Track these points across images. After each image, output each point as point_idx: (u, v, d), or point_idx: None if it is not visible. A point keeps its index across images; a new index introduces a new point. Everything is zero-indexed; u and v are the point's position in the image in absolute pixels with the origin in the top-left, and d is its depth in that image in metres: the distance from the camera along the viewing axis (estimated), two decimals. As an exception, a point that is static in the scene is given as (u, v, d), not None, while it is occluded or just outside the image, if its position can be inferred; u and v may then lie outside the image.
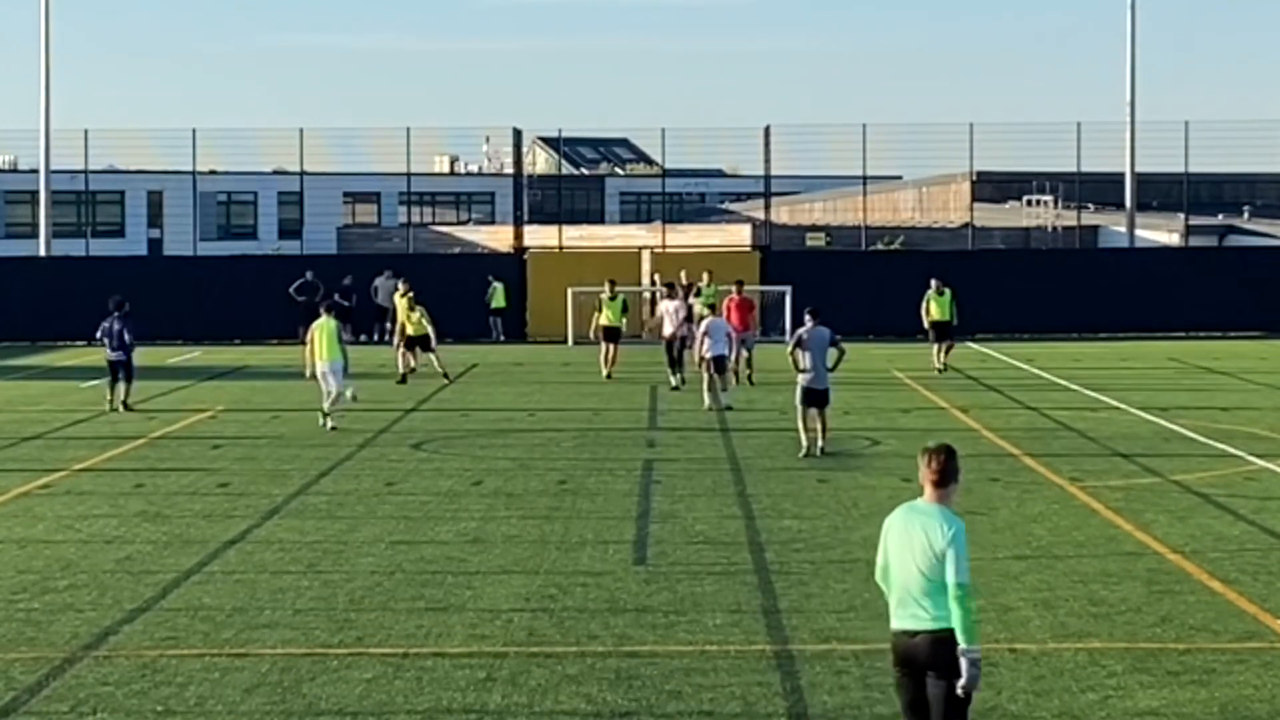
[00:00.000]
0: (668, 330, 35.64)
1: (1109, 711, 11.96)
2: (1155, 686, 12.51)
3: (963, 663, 9.24)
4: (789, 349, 25.62)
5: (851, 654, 13.41)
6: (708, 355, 30.96)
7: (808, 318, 25.42)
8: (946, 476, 9.49)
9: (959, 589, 9.25)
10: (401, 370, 37.10)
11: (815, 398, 24.91)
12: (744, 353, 35.34)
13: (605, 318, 38.17)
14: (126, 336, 31.69)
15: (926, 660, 9.35)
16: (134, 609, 15.17)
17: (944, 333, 38.94)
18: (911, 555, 9.37)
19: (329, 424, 28.44)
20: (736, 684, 12.60)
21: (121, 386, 31.70)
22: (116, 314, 32.02)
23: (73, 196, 67.09)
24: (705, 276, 41.04)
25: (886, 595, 9.64)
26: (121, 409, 31.33)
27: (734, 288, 37.51)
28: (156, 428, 28.95)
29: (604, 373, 37.51)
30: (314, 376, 29.13)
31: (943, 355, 38.87)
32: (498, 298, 51.23)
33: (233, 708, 12.13)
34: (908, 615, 9.41)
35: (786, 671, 12.96)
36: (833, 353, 25.21)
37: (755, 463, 24.30)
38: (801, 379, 24.97)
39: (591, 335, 39.22)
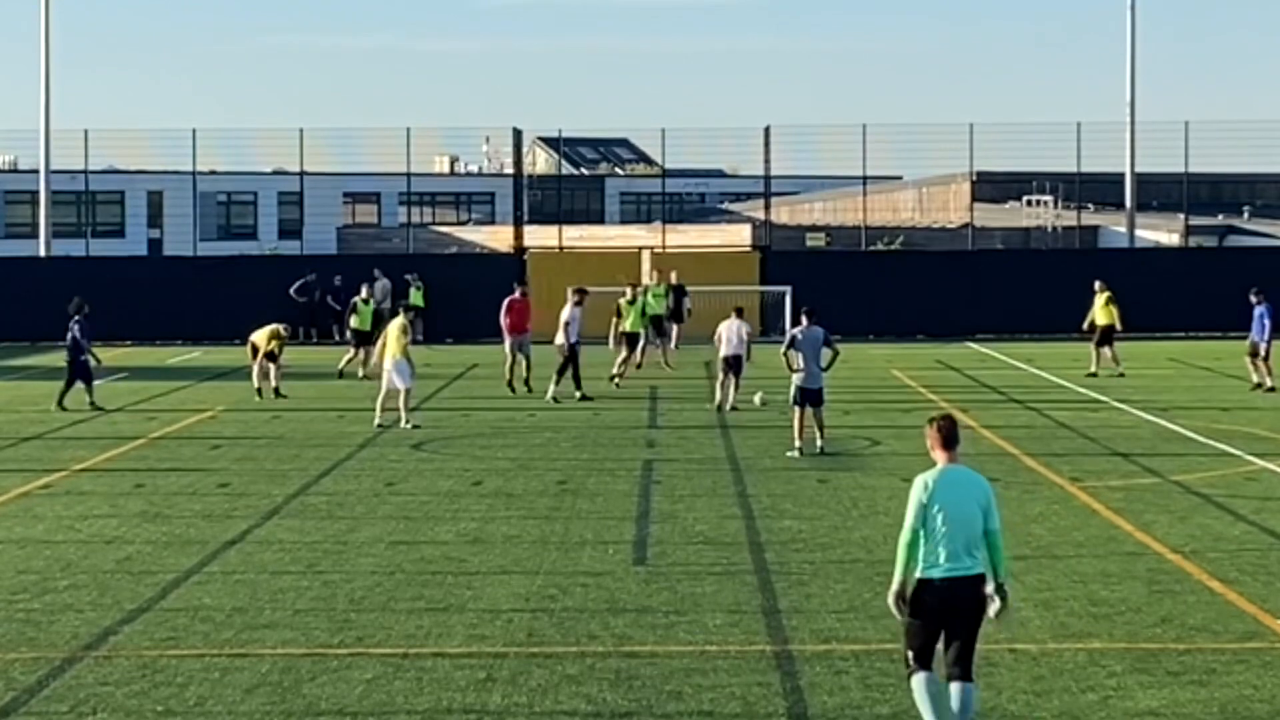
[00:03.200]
0: (559, 339, 33.11)
1: (1109, 711, 11.96)
2: (1155, 686, 12.52)
3: (1007, 591, 11.09)
4: (781, 350, 25.74)
5: (851, 654, 13.42)
6: (725, 355, 30.96)
7: (803, 318, 25.65)
8: (952, 439, 11.03)
9: (1000, 533, 11.02)
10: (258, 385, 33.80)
11: (810, 397, 25.07)
12: (520, 355, 34.53)
13: (628, 323, 36.15)
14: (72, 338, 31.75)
15: (972, 598, 10.88)
16: (134, 609, 15.17)
17: (1108, 336, 38.08)
18: (968, 510, 10.88)
19: (379, 420, 28.80)
20: (736, 684, 12.60)
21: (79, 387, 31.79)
22: (77, 316, 31.89)
23: (73, 196, 67.04)
24: (654, 275, 40.23)
25: (909, 554, 10.87)
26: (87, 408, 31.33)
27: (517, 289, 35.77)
28: (156, 428, 28.95)
29: (615, 382, 35.09)
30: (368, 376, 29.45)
31: (1114, 360, 37.51)
32: (416, 297, 49.97)
33: (233, 708, 12.13)
34: (962, 562, 10.86)
35: (786, 671, 12.96)
36: (827, 353, 25.29)
37: (755, 463, 24.30)
38: (796, 379, 25.16)
39: (611, 343, 36.36)
